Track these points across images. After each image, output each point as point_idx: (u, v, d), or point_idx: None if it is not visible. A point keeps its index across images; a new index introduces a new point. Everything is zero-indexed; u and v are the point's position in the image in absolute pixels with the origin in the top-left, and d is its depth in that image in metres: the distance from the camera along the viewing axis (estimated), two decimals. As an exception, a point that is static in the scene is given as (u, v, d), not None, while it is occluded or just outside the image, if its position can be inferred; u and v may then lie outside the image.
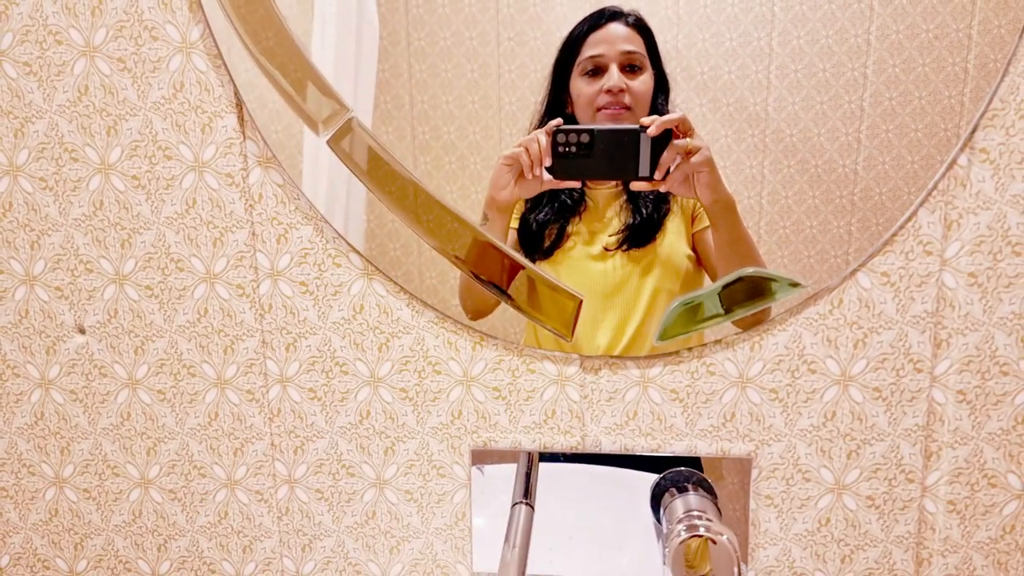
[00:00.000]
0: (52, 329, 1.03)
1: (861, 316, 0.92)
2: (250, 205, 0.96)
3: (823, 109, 0.87)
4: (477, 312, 0.95)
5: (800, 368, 0.94)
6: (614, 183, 0.92)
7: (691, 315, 0.92)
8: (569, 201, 0.92)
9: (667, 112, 0.86)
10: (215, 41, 0.91)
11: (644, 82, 0.87)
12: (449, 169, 0.92)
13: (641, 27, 0.85)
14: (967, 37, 0.84)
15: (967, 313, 0.90)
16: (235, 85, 0.92)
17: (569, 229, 0.93)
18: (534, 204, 0.93)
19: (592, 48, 0.86)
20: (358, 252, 0.96)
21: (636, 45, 0.86)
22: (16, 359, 1.05)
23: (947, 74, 0.84)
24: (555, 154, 0.85)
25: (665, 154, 0.83)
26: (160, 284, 1.00)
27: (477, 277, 0.92)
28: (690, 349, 0.95)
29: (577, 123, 0.87)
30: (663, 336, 0.93)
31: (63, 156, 0.97)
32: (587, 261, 0.93)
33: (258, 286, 0.99)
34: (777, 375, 0.95)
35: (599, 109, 0.87)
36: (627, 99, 0.87)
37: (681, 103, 0.87)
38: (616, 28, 0.85)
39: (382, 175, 0.92)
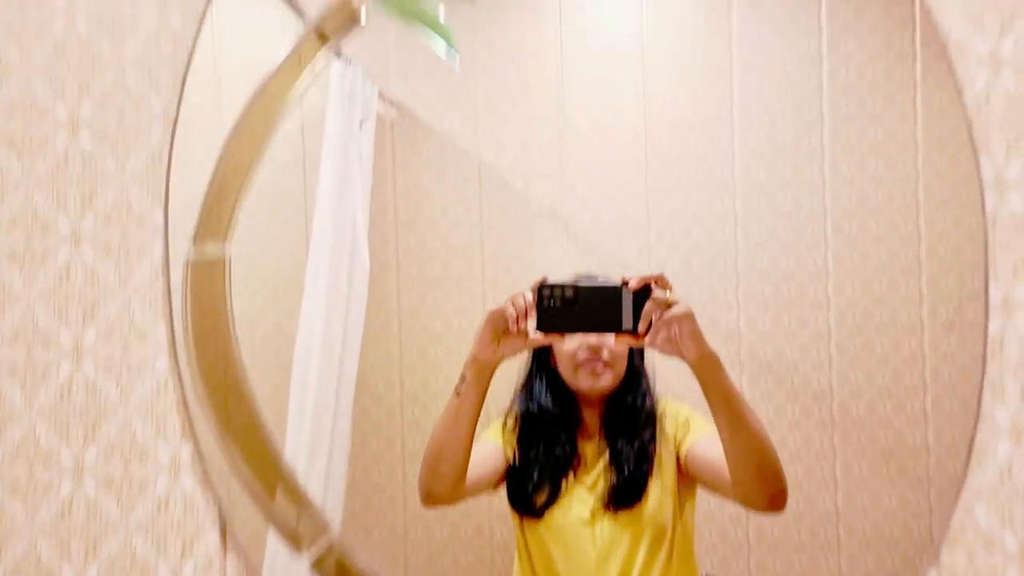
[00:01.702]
0: None
1: None
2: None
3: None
4: (440, 493, 0.84)
5: None
6: (597, 436, 0.87)
7: None
8: (562, 456, 0.87)
9: (643, 370, 0.86)
10: (203, 463, 0.85)
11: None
12: (436, 389, 0.90)
13: None
14: (919, 322, 0.86)
15: None
16: (219, 505, 0.85)
17: (562, 487, 0.86)
18: (526, 457, 0.87)
19: None
20: None
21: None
22: None
23: (905, 356, 0.86)
24: (540, 308, 0.79)
25: (646, 307, 0.78)
26: None
27: None
28: None
29: (560, 380, 0.86)
30: None
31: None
32: (577, 526, 0.85)
33: None
34: None
35: (579, 365, 0.85)
36: (606, 355, 0.85)
37: (660, 363, 0.86)
38: None
39: None
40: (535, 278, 0.82)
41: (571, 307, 0.78)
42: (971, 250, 0.78)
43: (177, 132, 0.85)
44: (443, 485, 0.83)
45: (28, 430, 0.86)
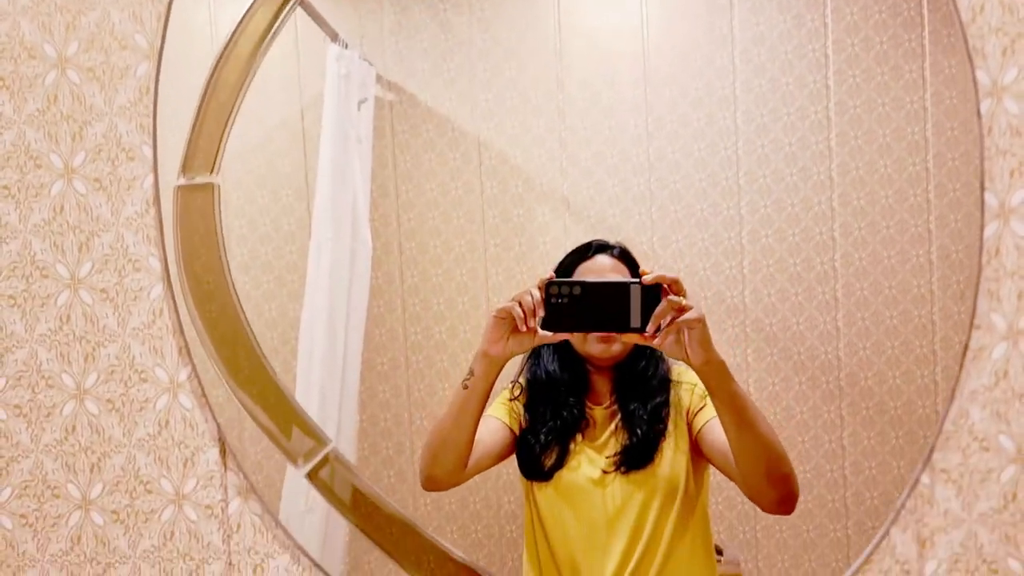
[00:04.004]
0: None
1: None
2: (228, 535, 0.83)
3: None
4: (441, 479, 0.80)
5: None
6: (609, 400, 0.83)
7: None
8: (570, 418, 0.82)
9: None
10: (200, 382, 0.84)
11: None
12: (441, 368, 0.88)
13: (626, 258, 0.81)
14: (928, 292, 0.81)
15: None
16: (218, 422, 0.84)
17: (571, 448, 0.81)
18: (535, 421, 0.82)
19: (582, 278, 0.80)
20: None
21: (622, 275, 0.80)
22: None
23: (915, 325, 0.82)
24: (548, 306, 0.75)
25: (659, 308, 0.73)
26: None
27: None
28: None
29: (571, 349, 0.82)
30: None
31: (45, 493, 0.86)
32: (588, 486, 0.80)
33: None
34: None
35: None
36: None
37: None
38: (603, 260, 0.81)
39: (358, 504, 0.83)
40: (537, 255, 0.82)
41: (579, 304, 0.73)
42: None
43: (163, 66, 0.84)
44: (445, 472, 0.80)
45: (30, 355, 0.87)
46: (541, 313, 0.74)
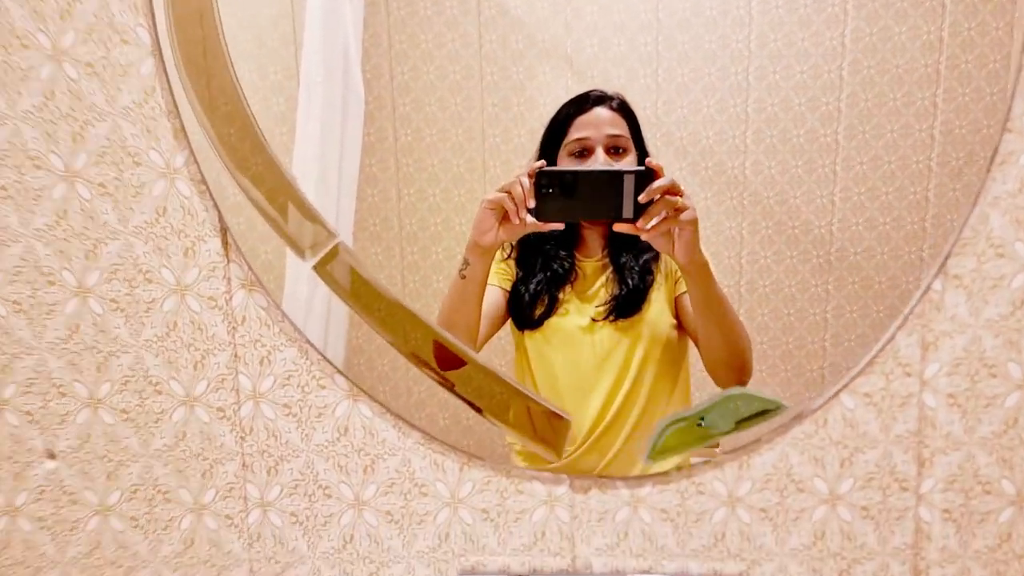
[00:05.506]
0: (22, 455, 0.87)
1: (846, 435, 0.80)
2: (233, 328, 0.82)
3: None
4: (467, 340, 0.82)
5: (788, 487, 0.81)
6: (600, 254, 0.83)
7: (683, 435, 0.80)
8: (560, 271, 0.83)
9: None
10: (199, 167, 0.80)
11: (629, 164, 0.79)
12: (435, 231, 0.85)
13: (625, 110, 0.79)
14: (927, 168, 0.79)
15: (948, 433, 0.78)
16: (219, 210, 0.81)
17: (560, 298, 0.83)
18: (526, 274, 0.83)
19: (578, 131, 0.79)
20: (343, 373, 0.83)
21: (620, 128, 0.79)
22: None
23: (909, 201, 0.80)
24: (539, 196, 0.74)
25: (655, 205, 0.73)
26: (137, 408, 0.85)
27: (460, 396, 0.80)
28: (679, 468, 0.82)
29: None
30: (653, 455, 0.80)
31: (39, 280, 0.83)
32: (577, 333, 0.83)
33: (239, 408, 0.83)
34: (766, 494, 0.81)
35: None
36: None
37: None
38: (601, 112, 0.79)
39: (366, 298, 0.80)
40: (537, 116, 0.78)
41: (570, 193, 0.73)
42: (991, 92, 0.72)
43: None
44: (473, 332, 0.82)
45: (13, 133, 0.80)
46: (531, 203, 0.71)
